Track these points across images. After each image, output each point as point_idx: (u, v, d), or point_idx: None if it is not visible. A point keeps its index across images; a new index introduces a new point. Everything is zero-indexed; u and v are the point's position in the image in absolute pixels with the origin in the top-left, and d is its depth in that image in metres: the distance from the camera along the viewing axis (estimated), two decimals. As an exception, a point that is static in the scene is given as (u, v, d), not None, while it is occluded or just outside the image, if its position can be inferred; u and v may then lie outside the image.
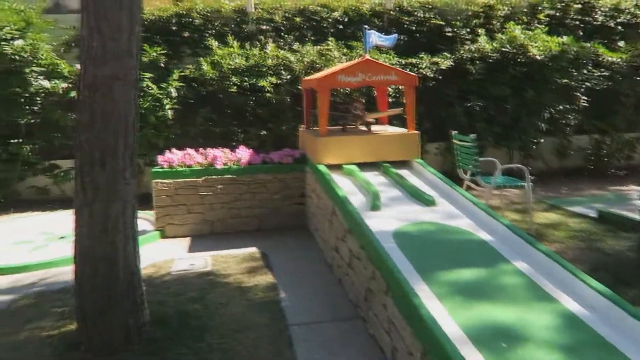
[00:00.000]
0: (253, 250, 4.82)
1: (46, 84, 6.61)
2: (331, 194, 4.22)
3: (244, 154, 5.62)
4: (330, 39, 7.63)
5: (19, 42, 6.66)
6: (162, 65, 7.16)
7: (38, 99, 6.77)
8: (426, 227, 3.57)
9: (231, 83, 6.91)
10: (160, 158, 5.46)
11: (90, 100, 2.83)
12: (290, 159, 5.57)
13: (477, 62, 7.44)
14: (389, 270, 2.78)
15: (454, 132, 5.58)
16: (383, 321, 2.90)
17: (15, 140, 6.88)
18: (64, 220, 6.14)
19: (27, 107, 6.78)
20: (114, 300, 3.00)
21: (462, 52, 7.65)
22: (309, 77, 5.96)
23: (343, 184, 4.45)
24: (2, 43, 6.53)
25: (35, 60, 6.71)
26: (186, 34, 7.66)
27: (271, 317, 3.42)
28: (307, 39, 7.87)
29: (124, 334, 3.03)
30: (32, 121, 6.79)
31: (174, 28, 7.64)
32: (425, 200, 4.06)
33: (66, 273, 4.24)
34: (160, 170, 5.29)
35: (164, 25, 7.64)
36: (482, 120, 7.39)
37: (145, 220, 5.99)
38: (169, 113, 6.80)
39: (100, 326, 3.00)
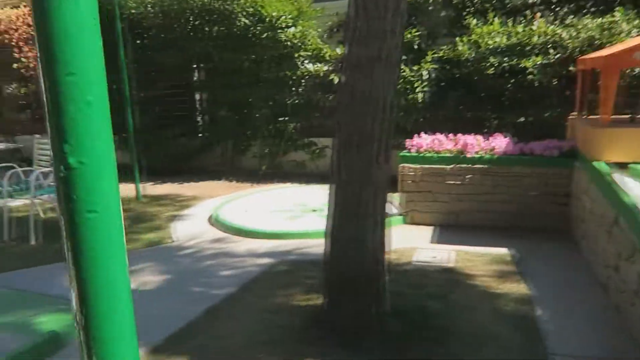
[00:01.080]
0: (503, 251, 4.30)
1: (311, 67, 7.16)
2: (614, 198, 3.41)
3: (499, 142, 5.06)
4: (618, 9, 6.30)
5: (292, 30, 7.35)
6: (416, 46, 7.01)
7: (303, 81, 7.41)
8: None
9: (488, 64, 6.33)
10: (408, 142, 5.34)
11: (351, 82, 2.78)
12: (555, 152, 4.79)
13: None
14: None
15: None
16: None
17: (282, 119, 7.71)
18: (316, 194, 6.61)
19: (293, 88, 7.49)
20: (359, 285, 2.95)
21: None
22: (589, 56, 4.99)
23: (631, 188, 3.56)
24: (279, 31, 7.30)
25: (303, 46, 7.32)
26: (442, 13, 7.33)
27: (525, 338, 2.93)
28: (585, 10, 6.68)
29: (365, 321, 2.97)
30: (297, 101, 7.47)
31: (429, 8, 7.39)
32: None
33: (318, 246, 4.47)
34: (408, 154, 5.16)
35: (421, 5, 7.46)
36: None
37: (388, 203, 5.98)
38: (420, 96, 6.63)
39: (344, 308, 3.00)
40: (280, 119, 7.72)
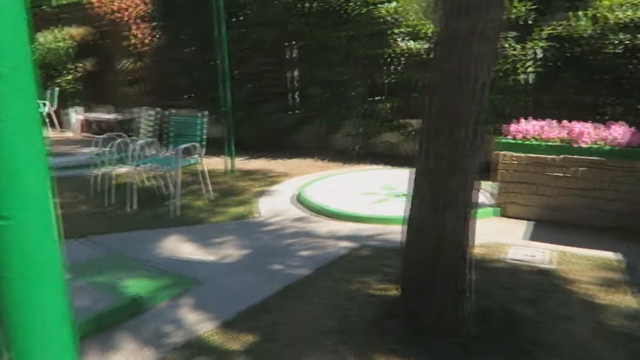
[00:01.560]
0: (612, 255, 3.78)
1: (410, 44, 6.80)
2: None
3: (618, 132, 4.43)
4: None
5: (391, 5, 7.02)
6: (531, 22, 6.35)
7: (402, 59, 7.07)
8: None
9: (608, 42, 5.56)
10: (510, 127, 4.86)
11: (443, 58, 2.50)
12: (690, 146, 4.09)
13: None
14: None
15: None
16: None
17: (377, 98, 7.46)
18: (406, 178, 6.33)
19: (390, 67, 7.20)
20: (436, 282, 2.72)
21: None
22: None
23: None
24: (379, 5, 7.01)
25: (402, 22, 6.97)
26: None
27: (632, 361, 2.52)
28: None
29: (442, 321, 2.74)
30: (394, 80, 7.17)
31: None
32: None
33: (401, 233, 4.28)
34: (508, 140, 4.71)
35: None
36: None
37: (482, 191, 5.57)
38: (524, 77, 6.03)
39: (418, 304, 2.79)
40: (375, 98, 7.48)
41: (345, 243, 4.17)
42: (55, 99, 11.59)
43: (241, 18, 8.50)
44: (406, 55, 6.93)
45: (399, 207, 5.23)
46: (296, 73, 8.70)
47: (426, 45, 6.68)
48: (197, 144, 5.29)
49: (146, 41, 10.14)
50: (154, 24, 9.80)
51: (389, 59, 7.15)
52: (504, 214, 4.77)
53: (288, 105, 8.77)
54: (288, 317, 3.00)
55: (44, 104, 11.50)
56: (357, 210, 4.97)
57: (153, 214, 5.11)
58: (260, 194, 5.82)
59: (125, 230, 4.61)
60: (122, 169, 5.83)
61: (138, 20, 10.17)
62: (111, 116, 10.63)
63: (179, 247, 4.19)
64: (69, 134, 11.12)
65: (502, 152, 4.70)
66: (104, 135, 5.90)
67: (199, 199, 5.60)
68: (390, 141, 7.66)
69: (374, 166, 7.18)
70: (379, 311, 3.04)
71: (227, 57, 6.40)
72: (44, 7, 12.23)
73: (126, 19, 10.27)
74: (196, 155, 5.32)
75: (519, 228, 4.47)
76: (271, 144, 8.53)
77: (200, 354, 2.66)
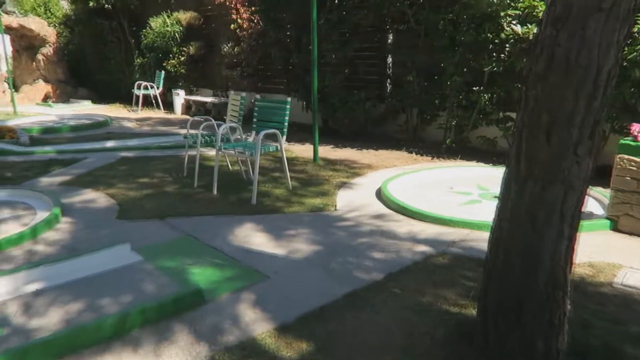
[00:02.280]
0: None
1: (518, 29, 6.11)
2: None
3: None
4: None
5: (501, -16, 6.35)
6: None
7: (507, 45, 6.40)
8: None
9: None
10: (632, 127, 4.14)
11: (551, 41, 2.04)
12: None
13: None
14: None
15: None
16: None
17: (476, 88, 6.85)
18: (500, 177, 5.75)
19: (494, 54, 6.55)
20: (524, 310, 2.30)
21: None
22: None
23: None
24: (485, -14, 6.38)
25: (512, 3, 6.27)
26: None
27: None
28: None
29: (525, 354, 2.32)
30: (495, 69, 6.52)
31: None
32: None
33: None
34: (628, 142, 4.01)
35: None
36: None
37: (595, 199, 4.88)
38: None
39: (500, 332, 2.39)
40: (473, 88, 6.88)
41: (424, 247, 3.80)
42: (161, 82, 12.23)
43: (343, 1, 8.25)
44: (512, 40, 6.24)
45: (490, 211, 4.73)
46: (394, 59, 8.29)
47: (535, 30, 5.93)
48: (278, 131, 5.16)
49: (245, 25, 10.28)
50: (255, 7, 9.88)
51: (493, 45, 6.50)
52: (616, 228, 4.09)
53: (382, 93, 8.41)
54: (348, 327, 2.74)
55: (151, 87, 12.19)
56: (443, 211, 4.56)
57: (234, 199, 5.09)
58: (342, 185, 5.59)
59: (206, 214, 4.62)
60: (212, 152, 5.90)
61: (240, 5, 10.33)
62: (209, 99, 10.98)
63: (252, 236, 4.09)
64: (171, 116, 11.69)
65: (620, 155, 4.02)
66: (192, 118, 6.00)
67: (279, 187, 5.49)
68: (487, 136, 7.03)
69: (468, 162, 6.62)
70: (452, 332, 2.68)
71: (315, 40, 6.18)
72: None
73: (234, 2, 10.47)
74: (277, 144, 5.20)
75: (635, 246, 3.80)
76: (361, 133, 8.26)
77: (251, 357, 2.50)
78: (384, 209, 4.75)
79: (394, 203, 4.75)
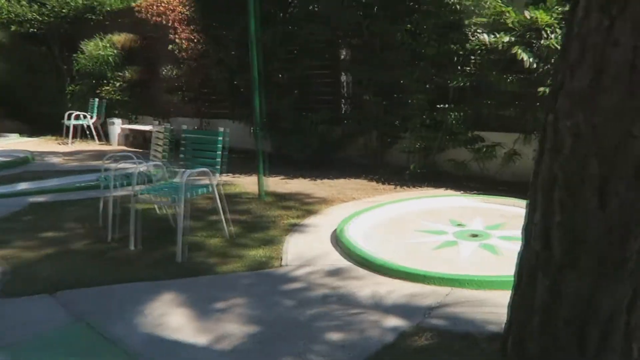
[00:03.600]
0: None
1: (486, 38, 5.40)
2: None
3: None
4: None
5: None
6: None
7: (473, 57, 5.69)
8: None
9: None
10: None
11: (601, 37, 1.20)
12: None
13: None
14: None
15: None
16: None
17: (442, 106, 6.10)
18: (479, 209, 4.96)
19: (459, 67, 5.83)
20: None
21: None
22: None
23: None
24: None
25: (478, 11, 5.58)
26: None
27: None
28: None
29: None
30: (463, 84, 5.78)
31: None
32: None
33: (478, 304, 2.95)
34: None
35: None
36: None
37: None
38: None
39: None
40: (438, 106, 6.13)
41: (396, 320, 2.89)
42: (95, 110, 11.07)
43: (288, 15, 7.42)
44: (479, 51, 5.53)
45: (474, 256, 3.92)
46: (350, 77, 7.50)
47: (506, 39, 5.24)
48: (211, 169, 4.21)
49: (185, 45, 9.31)
50: (193, 26, 8.95)
51: (458, 58, 5.77)
52: None
53: (338, 115, 7.58)
54: None
55: (84, 116, 11.01)
56: (414, 260, 3.68)
57: (158, 256, 4.07)
58: (291, 229, 4.65)
59: (115, 282, 3.58)
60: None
61: (178, 23, 9.38)
62: (147, 128, 9.90)
63: (170, 314, 3.08)
64: (107, 147, 10.52)
65: None
66: (110, 155, 4.97)
67: (216, 234, 4.51)
68: (457, 159, 6.27)
69: (437, 191, 5.82)
70: None
71: (255, 58, 5.31)
72: (89, 15, 11.80)
73: (171, 21, 9.51)
74: (213, 181, 4.23)
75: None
76: (316, 160, 7.36)
77: None
78: (342, 261, 3.83)
79: (354, 253, 3.84)
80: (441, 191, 5.79)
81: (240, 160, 7.76)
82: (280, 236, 4.44)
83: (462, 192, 5.70)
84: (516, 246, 4.02)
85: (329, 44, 7.38)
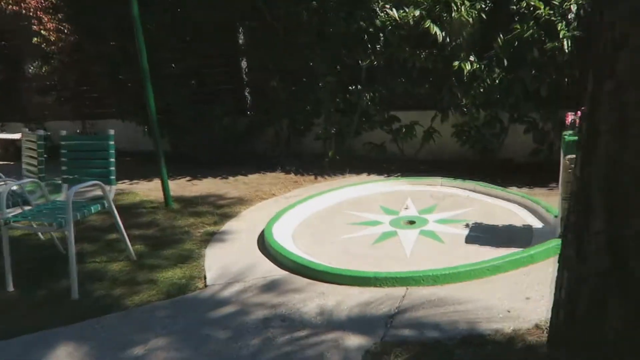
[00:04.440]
0: None
1: (395, 13, 5.11)
2: None
3: None
4: None
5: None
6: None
7: (382, 34, 5.39)
8: None
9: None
10: (571, 116, 3.29)
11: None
12: None
13: None
14: None
15: None
16: None
17: (354, 87, 5.76)
18: (407, 192, 4.71)
19: (369, 45, 5.50)
20: None
21: None
22: None
23: None
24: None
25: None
26: None
27: None
28: None
29: None
30: (375, 63, 5.49)
31: None
32: None
33: (439, 301, 2.61)
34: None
35: None
36: None
37: (521, 206, 4.04)
38: None
39: None
40: (351, 87, 5.78)
41: (356, 338, 2.46)
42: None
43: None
44: (389, 28, 5.24)
45: (418, 246, 3.61)
46: (251, 63, 6.89)
47: (417, 12, 4.99)
48: (103, 180, 3.46)
49: (54, 37, 8.05)
50: (61, 15, 7.73)
51: (367, 36, 5.44)
52: None
53: (242, 105, 6.97)
54: None
55: None
56: (355, 261, 3.29)
57: (44, 295, 3.26)
58: (209, 238, 4.04)
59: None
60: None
61: (40, 13, 8.07)
62: (17, 136, 8.50)
63: (67, 374, 2.38)
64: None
65: (568, 157, 3.12)
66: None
67: (118, 257, 3.77)
68: (375, 142, 6.00)
69: (359, 177, 5.51)
70: None
71: (143, 46, 4.55)
72: None
73: (32, 10, 8.14)
74: (109, 194, 3.49)
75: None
76: (223, 156, 6.71)
77: None
78: (275, 271, 3.32)
79: (288, 260, 3.35)
80: (364, 177, 5.49)
81: (135, 164, 6.89)
82: (197, 249, 3.82)
83: (385, 175, 5.44)
84: (455, 229, 3.88)
85: (225, 28, 6.70)
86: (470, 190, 4.66)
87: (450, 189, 4.75)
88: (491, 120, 5.25)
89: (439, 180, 4.91)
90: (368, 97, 5.65)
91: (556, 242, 3.16)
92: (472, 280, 2.90)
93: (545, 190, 4.58)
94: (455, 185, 4.80)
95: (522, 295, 2.71)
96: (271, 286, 3.11)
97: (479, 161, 5.39)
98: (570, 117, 3.31)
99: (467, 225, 3.81)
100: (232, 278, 3.27)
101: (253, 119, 6.73)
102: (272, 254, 3.53)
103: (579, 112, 3.29)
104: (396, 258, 3.35)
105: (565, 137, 3.13)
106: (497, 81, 4.90)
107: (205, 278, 3.31)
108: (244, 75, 7.00)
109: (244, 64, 6.99)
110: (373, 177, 5.45)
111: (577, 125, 3.16)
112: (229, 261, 3.54)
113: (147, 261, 3.68)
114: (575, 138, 3.06)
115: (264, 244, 3.70)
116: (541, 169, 4.88)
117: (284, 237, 3.77)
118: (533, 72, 4.61)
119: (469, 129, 5.37)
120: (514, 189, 4.54)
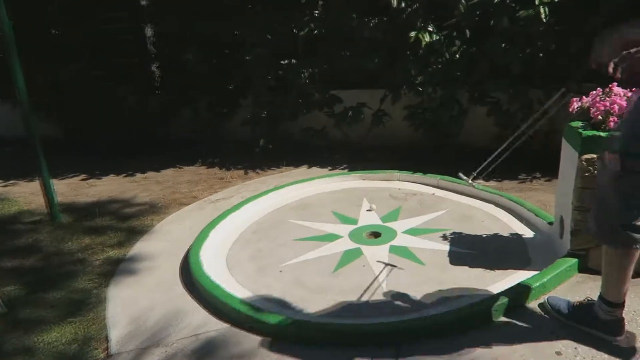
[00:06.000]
0: None
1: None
2: None
3: None
4: None
5: None
6: None
7: (322, -3, 4.49)
8: None
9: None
10: (576, 102, 2.65)
11: None
12: None
13: None
14: None
15: None
16: None
17: (288, 61, 4.83)
18: (359, 191, 3.93)
19: (308, 11, 4.58)
20: None
21: None
22: None
23: None
24: None
25: None
26: None
27: None
28: None
29: None
30: (315, 32, 4.58)
31: None
32: None
33: None
34: (602, 134, 2.46)
35: None
36: None
37: (502, 208, 3.43)
38: None
39: None
40: (284, 62, 4.84)
41: None
42: None
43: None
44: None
45: (394, 273, 2.79)
46: (158, 29, 5.68)
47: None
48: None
49: None
50: None
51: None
52: (586, 267, 2.56)
53: (150, 81, 5.79)
54: None
55: None
56: (317, 301, 2.46)
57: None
58: (111, 270, 2.99)
59: None
60: None
61: None
62: None
63: None
64: None
65: (585, 157, 2.46)
66: None
67: (-23, 309, 2.63)
68: (314, 126, 5.15)
69: (298, 170, 4.66)
70: None
71: (4, 10, 3.28)
72: None
73: None
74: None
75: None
76: (131, 144, 5.53)
77: None
78: (210, 323, 2.39)
79: (229, 307, 2.43)
80: (304, 170, 4.64)
81: (14, 156, 5.50)
82: (96, 289, 2.78)
83: (329, 168, 4.63)
84: (432, 243, 3.06)
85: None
86: (433, 186, 3.99)
87: (410, 185, 4.05)
88: (448, 101, 4.58)
89: (395, 173, 4.18)
90: (306, 73, 4.74)
91: (568, 264, 2.53)
92: (480, 329, 2.18)
93: (516, 183, 4.02)
94: (415, 180, 4.10)
95: (551, 350, 2.04)
96: (207, 351, 2.20)
97: (435, 148, 4.73)
98: (575, 104, 2.66)
99: (445, 237, 3.11)
100: (147, 339, 2.31)
101: (164, 99, 5.58)
102: (203, 294, 2.60)
103: (584, 98, 2.66)
104: (373, 292, 2.55)
105: (581, 131, 2.46)
106: (457, 55, 4.23)
107: (107, 340, 2.32)
108: (151, 46, 5.78)
109: (148, 31, 5.76)
110: (315, 170, 4.62)
111: (591, 114, 2.51)
112: (141, 308, 2.56)
113: (22, 313, 2.59)
114: (599, 133, 2.41)
115: (191, 279, 2.75)
116: (507, 158, 4.31)
117: (216, 266, 2.85)
118: (503, 45, 3.96)
119: (422, 110, 4.68)
120: (481, 183, 3.92)
